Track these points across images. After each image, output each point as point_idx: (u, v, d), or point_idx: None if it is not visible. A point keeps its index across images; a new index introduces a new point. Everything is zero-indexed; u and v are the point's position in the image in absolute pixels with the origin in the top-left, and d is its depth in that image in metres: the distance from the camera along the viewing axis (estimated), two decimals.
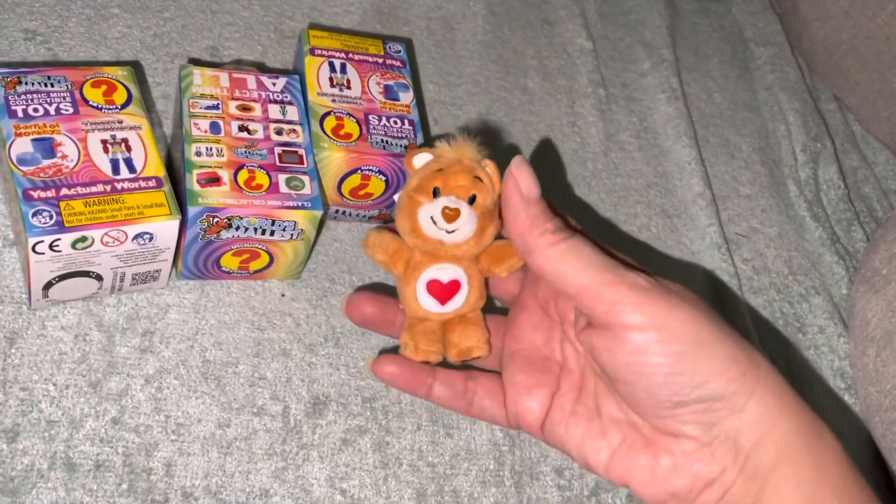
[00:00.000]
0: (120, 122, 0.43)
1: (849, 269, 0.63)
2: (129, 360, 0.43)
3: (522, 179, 0.36)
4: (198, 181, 0.42)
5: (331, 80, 0.49)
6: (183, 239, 0.43)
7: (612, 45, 0.72)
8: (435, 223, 0.37)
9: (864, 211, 0.69)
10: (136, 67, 0.53)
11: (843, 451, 0.35)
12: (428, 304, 0.39)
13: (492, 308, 0.43)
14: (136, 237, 0.41)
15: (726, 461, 0.34)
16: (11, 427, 0.39)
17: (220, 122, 0.45)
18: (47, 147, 0.41)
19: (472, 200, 0.37)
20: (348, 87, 0.49)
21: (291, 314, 0.47)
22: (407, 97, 0.50)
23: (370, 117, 0.48)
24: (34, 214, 0.39)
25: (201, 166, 0.43)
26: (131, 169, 0.42)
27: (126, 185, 0.41)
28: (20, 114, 0.41)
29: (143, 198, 0.41)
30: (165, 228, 0.41)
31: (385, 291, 0.41)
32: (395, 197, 0.47)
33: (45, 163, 0.40)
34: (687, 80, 0.72)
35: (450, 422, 0.47)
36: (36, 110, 0.42)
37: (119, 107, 0.43)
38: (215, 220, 0.42)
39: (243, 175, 0.43)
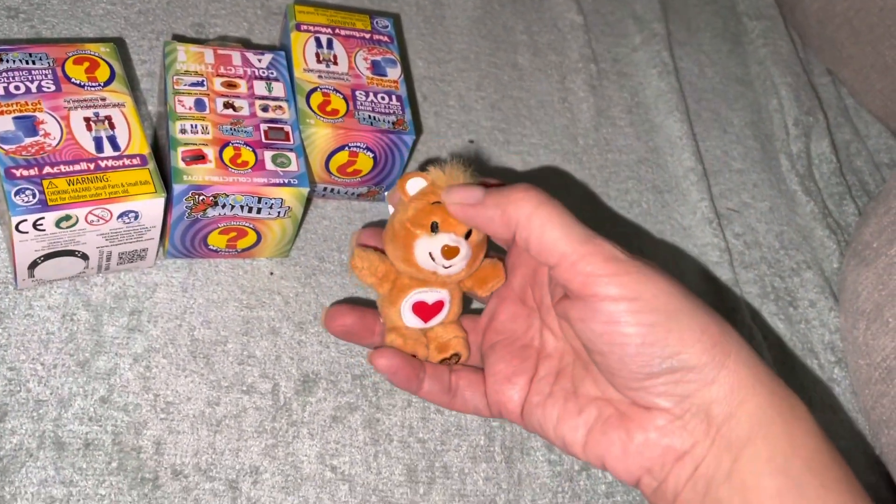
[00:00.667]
0: (103, 99, 0.43)
1: (840, 243, 0.63)
2: (118, 339, 0.43)
3: (458, 197, 0.37)
4: (183, 159, 0.42)
5: (317, 55, 0.49)
6: (169, 217, 0.43)
7: (603, 20, 0.71)
8: (433, 259, 0.38)
9: (857, 185, 0.69)
10: (120, 44, 0.52)
11: (816, 424, 0.35)
12: (412, 322, 0.41)
13: (468, 309, 0.44)
14: (121, 215, 0.41)
15: (698, 434, 0.34)
16: (0, 407, 0.39)
17: (205, 99, 0.45)
18: (29, 125, 0.40)
19: (467, 235, 0.39)
20: (335, 63, 0.49)
21: (280, 292, 0.47)
22: (395, 73, 0.50)
23: (357, 93, 0.48)
24: (17, 193, 0.38)
25: (186, 144, 0.43)
26: (115, 147, 0.41)
27: (110, 162, 0.41)
28: (1, 91, 0.41)
29: (128, 175, 0.41)
30: (151, 206, 0.41)
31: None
32: (386, 195, 0.45)
33: (28, 141, 0.40)
34: (679, 55, 0.71)
35: None
36: (17, 88, 0.41)
37: (102, 84, 0.43)
38: (201, 197, 0.42)
39: (229, 152, 0.43)
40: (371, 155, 0.47)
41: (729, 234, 0.62)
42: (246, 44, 0.56)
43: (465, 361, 0.42)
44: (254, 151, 0.44)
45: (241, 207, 0.43)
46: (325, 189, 0.50)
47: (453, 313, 0.42)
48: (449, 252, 0.38)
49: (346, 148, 0.47)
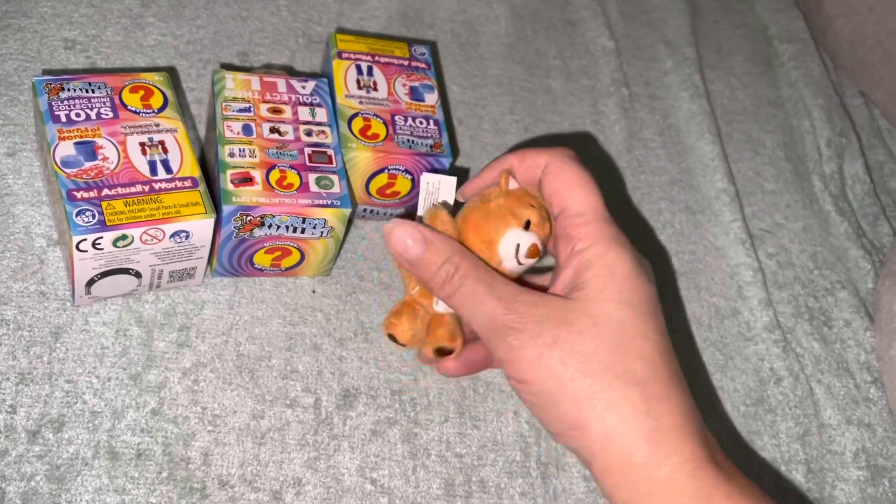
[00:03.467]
0: (157, 125, 0.45)
1: (875, 263, 0.63)
2: (168, 353, 0.45)
3: (397, 247, 0.41)
4: (231, 181, 0.44)
5: (358, 82, 0.50)
6: (218, 237, 0.45)
7: (635, 44, 0.73)
8: (517, 251, 0.41)
9: (891, 205, 0.69)
10: (172, 73, 0.55)
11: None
12: (441, 306, 0.44)
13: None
14: (173, 235, 0.42)
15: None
16: (58, 417, 0.41)
17: (252, 125, 0.47)
18: (89, 150, 0.43)
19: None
20: (375, 89, 0.50)
21: (322, 310, 0.49)
22: (432, 98, 0.51)
23: (396, 118, 0.49)
24: (78, 214, 0.40)
25: (234, 167, 0.45)
26: (168, 170, 0.44)
27: (163, 185, 0.43)
28: (63, 119, 0.43)
29: (180, 197, 0.43)
30: (201, 226, 0.43)
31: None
32: (459, 190, 0.46)
33: (88, 165, 0.42)
34: (710, 78, 0.72)
35: (476, 414, 0.48)
36: (78, 115, 0.44)
37: (156, 111, 0.45)
38: (248, 218, 0.44)
39: (275, 175, 0.45)
40: (409, 177, 0.49)
41: (762, 254, 0.62)
42: (290, 71, 0.58)
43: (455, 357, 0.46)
44: (298, 174, 0.45)
45: (287, 227, 0.45)
46: (364, 210, 0.51)
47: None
48: (533, 252, 0.41)
49: (386, 170, 0.48)
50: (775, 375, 0.55)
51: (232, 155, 0.45)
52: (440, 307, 0.44)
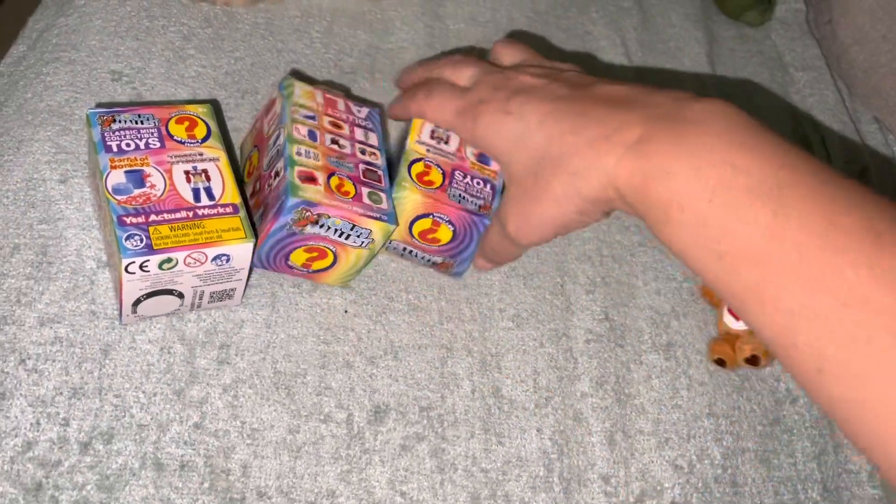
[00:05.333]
0: (200, 154, 0.48)
1: None
2: (209, 370, 0.47)
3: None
4: (298, 177, 0.46)
5: (433, 132, 0.52)
6: (268, 228, 0.47)
7: (653, 72, 0.75)
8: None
9: None
10: (214, 104, 0.58)
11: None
12: (730, 321, 0.55)
13: None
14: (214, 258, 0.45)
15: None
16: (107, 430, 0.44)
17: (316, 132, 0.50)
18: (138, 178, 0.45)
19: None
20: (446, 143, 0.52)
21: (354, 329, 0.51)
22: (497, 166, 0.52)
23: (456, 172, 0.51)
24: (127, 238, 0.43)
25: (301, 165, 0.47)
26: (210, 197, 0.46)
27: (206, 211, 0.46)
28: (115, 148, 0.46)
29: (222, 223, 0.45)
30: (241, 250, 0.46)
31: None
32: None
33: (136, 192, 0.45)
34: None
35: (501, 430, 0.50)
36: (128, 145, 0.46)
37: (200, 140, 0.48)
38: (307, 213, 0.46)
39: (334, 181, 0.48)
40: (451, 228, 0.50)
41: None
42: (347, 93, 0.61)
43: (768, 367, 0.56)
44: (354, 185, 0.48)
45: (335, 231, 0.47)
46: (404, 249, 0.53)
47: None
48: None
49: (431, 216, 0.50)
50: (790, 395, 0.56)
51: (299, 154, 0.48)
52: (735, 325, 0.55)
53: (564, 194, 0.43)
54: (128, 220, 0.44)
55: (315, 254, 0.49)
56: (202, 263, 0.45)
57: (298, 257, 0.50)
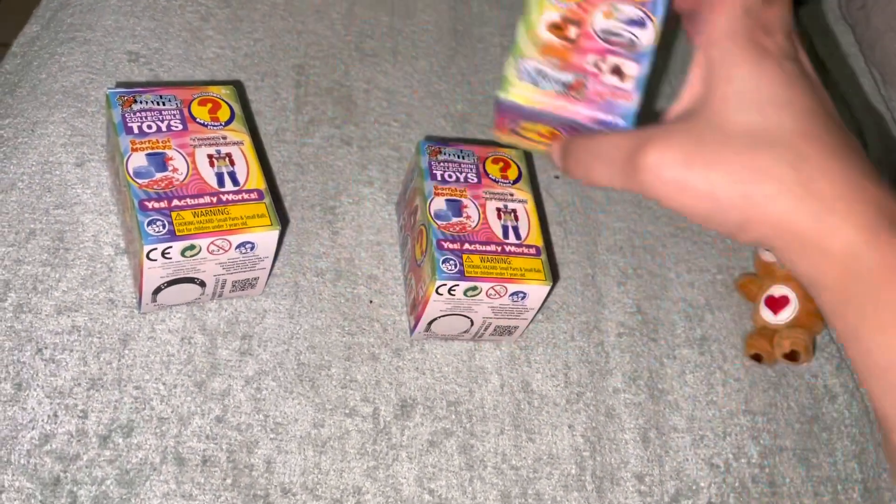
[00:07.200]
0: (224, 137, 0.46)
1: None
2: (231, 361, 0.45)
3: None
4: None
5: None
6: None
7: (681, 61, 0.73)
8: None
9: None
10: (236, 86, 0.56)
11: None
12: (767, 315, 0.54)
13: None
14: (238, 246, 0.43)
15: None
16: (127, 423, 0.42)
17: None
18: (160, 161, 0.44)
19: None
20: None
21: (379, 320, 0.49)
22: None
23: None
24: (149, 223, 0.41)
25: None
26: (235, 182, 0.44)
27: (230, 196, 0.44)
28: (136, 130, 0.44)
29: (246, 209, 0.44)
30: (266, 238, 0.44)
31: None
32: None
33: (158, 176, 0.43)
34: None
35: (531, 427, 0.48)
36: (150, 127, 0.45)
37: (223, 123, 0.46)
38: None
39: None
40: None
41: None
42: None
43: (807, 363, 0.54)
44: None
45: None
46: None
47: (800, 315, 0.53)
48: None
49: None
50: (829, 392, 0.55)
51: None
52: (773, 319, 0.54)
53: (763, 194, 0.35)
54: (150, 205, 0.42)
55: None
56: (226, 251, 0.43)
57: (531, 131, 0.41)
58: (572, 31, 0.37)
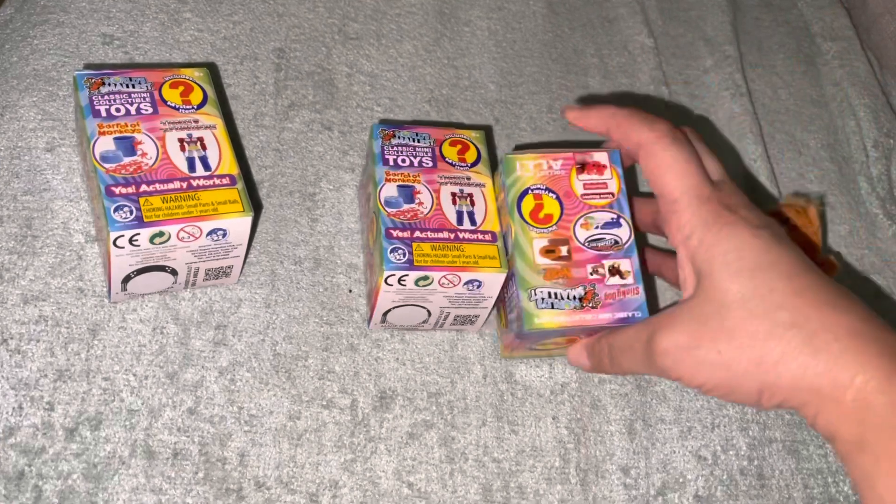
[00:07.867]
0: (196, 121, 0.44)
1: None
2: (204, 352, 0.44)
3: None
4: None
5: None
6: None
7: (674, 42, 0.71)
8: None
9: None
10: (211, 69, 0.54)
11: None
12: None
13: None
14: (210, 233, 0.42)
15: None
16: (95, 415, 0.41)
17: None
18: (128, 145, 0.42)
19: None
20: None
21: (358, 310, 0.48)
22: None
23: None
24: (116, 210, 0.40)
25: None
26: (206, 167, 0.43)
27: (201, 182, 0.42)
28: (103, 113, 0.43)
29: (218, 195, 0.42)
30: (238, 225, 0.42)
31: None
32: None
33: (126, 160, 0.42)
34: (751, 77, 0.70)
35: (514, 418, 0.47)
36: (118, 110, 0.43)
37: (195, 107, 0.45)
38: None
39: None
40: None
41: None
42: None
43: None
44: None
45: None
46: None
47: None
48: None
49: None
50: None
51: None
52: None
53: (773, 359, 0.35)
54: (116, 191, 0.41)
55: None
56: (196, 238, 0.42)
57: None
58: (563, 250, 0.41)
